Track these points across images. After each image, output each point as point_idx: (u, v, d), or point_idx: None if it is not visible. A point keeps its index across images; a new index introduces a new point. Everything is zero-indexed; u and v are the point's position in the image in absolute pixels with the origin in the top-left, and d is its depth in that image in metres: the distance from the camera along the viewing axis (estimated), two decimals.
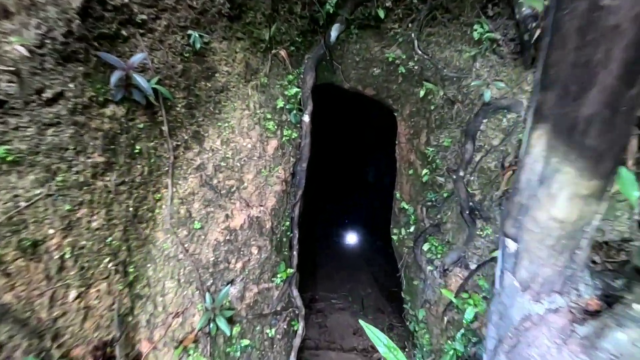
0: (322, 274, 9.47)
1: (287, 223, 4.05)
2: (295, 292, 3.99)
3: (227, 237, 3.25)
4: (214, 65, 3.37)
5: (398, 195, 5.18)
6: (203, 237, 3.12)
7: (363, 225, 12.68)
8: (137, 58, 2.70)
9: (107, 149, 2.57)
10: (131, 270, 2.67)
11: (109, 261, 2.53)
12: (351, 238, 12.53)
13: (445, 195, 4.02)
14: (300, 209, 4.28)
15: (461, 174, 3.62)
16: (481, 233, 3.44)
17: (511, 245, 1.70)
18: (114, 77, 2.54)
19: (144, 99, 2.78)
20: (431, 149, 4.31)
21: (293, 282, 4.01)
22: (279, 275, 3.80)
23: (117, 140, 2.65)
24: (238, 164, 3.50)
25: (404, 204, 4.97)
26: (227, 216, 3.29)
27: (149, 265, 2.79)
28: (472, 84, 3.53)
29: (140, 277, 2.73)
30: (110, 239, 2.54)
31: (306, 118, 4.18)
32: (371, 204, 13.42)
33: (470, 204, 3.53)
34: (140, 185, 2.78)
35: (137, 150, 2.77)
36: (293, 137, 4.08)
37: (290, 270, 3.88)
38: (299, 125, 4.20)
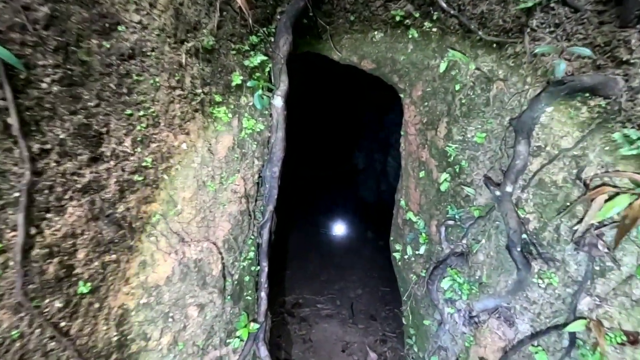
0: (308, 272, 8.52)
1: (251, 254, 2.80)
2: (264, 351, 2.80)
3: (143, 300, 2.00)
4: (113, 11, 1.99)
5: (403, 202, 3.97)
6: (97, 306, 1.85)
7: (352, 215, 11.74)
8: None
9: None
10: None
11: None
12: (339, 229, 11.55)
13: (475, 213, 2.82)
14: (271, 230, 3.02)
15: (508, 188, 2.41)
16: (539, 281, 2.27)
17: None
18: None
19: None
20: (454, 146, 3.08)
21: (261, 336, 2.81)
22: (238, 333, 2.59)
23: None
24: (165, 177, 2.20)
25: (410, 215, 3.78)
26: (142, 265, 2.01)
27: None
28: (537, 50, 2.25)
29: None
30: None
31: (278, 101, 2.85)
32: (361, 193, 12.51)
33: (524, 235, 2.35)
34: None
35: None
36: (258, 129, 2.76)
37: (254, 326, 2.67)
38: (266, 112, 2.87)
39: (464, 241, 2.95)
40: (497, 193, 2.46)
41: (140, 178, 2.09)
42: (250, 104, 2.72)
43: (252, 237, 2.81)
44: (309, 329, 6.78)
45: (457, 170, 3.07)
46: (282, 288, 7.55)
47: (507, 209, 2.38)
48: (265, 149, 2.88)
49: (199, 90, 2.36)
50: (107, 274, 1.89)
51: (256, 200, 2.86)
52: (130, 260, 1.97)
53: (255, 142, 2.77)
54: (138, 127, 2.10)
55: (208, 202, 2.40)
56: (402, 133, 3.98)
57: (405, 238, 3.90)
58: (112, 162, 2.00)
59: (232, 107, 2.59)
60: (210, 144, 2.44)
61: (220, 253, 2.42)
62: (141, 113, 2.11)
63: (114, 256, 1.92)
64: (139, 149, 2.10)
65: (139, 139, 2.10)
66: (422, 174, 3.57)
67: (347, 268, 8.64)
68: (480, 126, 2.89)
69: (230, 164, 2.57)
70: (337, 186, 12.59)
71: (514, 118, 2.48)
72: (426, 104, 3.46)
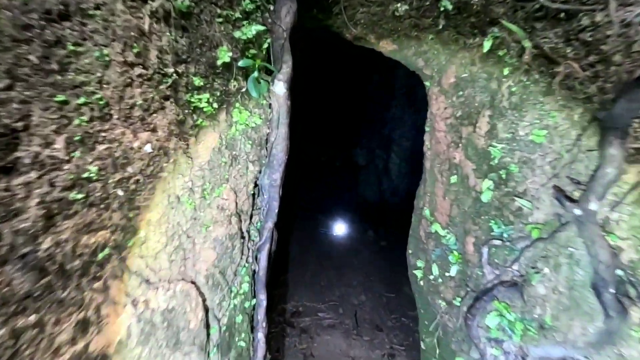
0: (307, 276, 7.99)
1: (245, 287, 2.16)
2: None
3: None
4: None
5: (427, 212, 3.33)
6: None
7: (352, 213, 11.24)
8: None
9: None
10: None
11: None
12: (339, 228, 11.01)
13: (534, 233, 2.19)
14: (270, 252, 2.38)
15: (593, 205, 1.78)
16: None
17: None
18: None
19: None
20: (499, 146, 2.45)
21: None
22: None
23: None
24: (120, 192, 1.53)
25: (437, 227, 3.14)
26: (81, 326, 1.36)
27: None
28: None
29: None
30: None
31: (280, 88, 2.18)
32: (361, 190, 12.06)
33: (619, 271, 1.72)
34: None
35: None
36: (253, 124, 2.09)
37: None
38: (264, 102, 2.20)
39: (515, 267, 2.32)
40: (577, 212, 1.82)
41: (80, 196, 1.43)
42: (243, 90, 2.04)
43: (246, 264, 2.16)
44: (310, 342, 6.22)
45: (504, 176, 2.44)
46: (282, 294, 7.01)
47: (594, 234, 1.75)
48: (262, 150, 2.22)
49: (170, 70, 1.69)
50: (20, 347, 1.23)
51: (251, 217, 2.20)
52: (60, 321, 1.32)
53: (250, 142, 2.10)
54: (76, 122, 1.43)
55: (184, 224, 1.74)
56: (427, 129, 3.33)
57: (430, 254, 3.28)
58: (33, 174, 1.33)
59: (217, 94, 1.92)
60: (187, 145, 1.77)
61: (202, 294, 1.77)
62: (81, 100, 1.43)
63: (32, 317, 1.26)
64: (77, 154, 1.43)
65: (77, 138, 1.43)
66: (453, 179, 2.93)
67: (347, 271, 8.16)
68: (537, 121, 2.25)
69: (216, 171, 1.91)
70: (337, 182, 12.08)
71: (602, 110, 1.84)
72: (461, 93, 2.81)
